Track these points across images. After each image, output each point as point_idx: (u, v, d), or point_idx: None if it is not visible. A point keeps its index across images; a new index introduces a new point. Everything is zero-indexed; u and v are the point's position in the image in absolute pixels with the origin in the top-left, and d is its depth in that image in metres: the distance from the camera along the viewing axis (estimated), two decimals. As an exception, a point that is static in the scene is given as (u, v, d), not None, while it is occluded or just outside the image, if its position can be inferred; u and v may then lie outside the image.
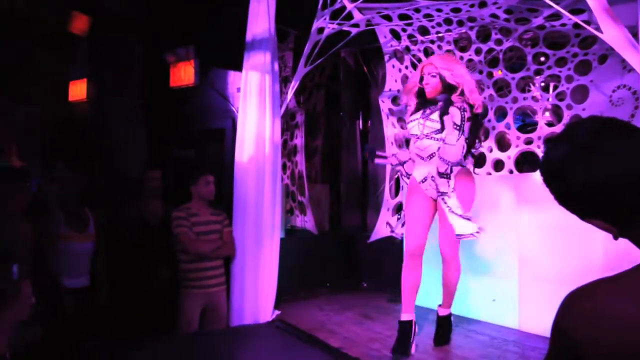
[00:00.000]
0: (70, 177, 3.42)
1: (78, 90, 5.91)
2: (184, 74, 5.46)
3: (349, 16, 3.95)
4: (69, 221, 3.28)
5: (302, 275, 4.63)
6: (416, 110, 3.16)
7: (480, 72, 4.16)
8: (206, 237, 3.56)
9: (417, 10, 3.92)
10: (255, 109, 3.79)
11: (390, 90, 4.79)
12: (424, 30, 4.35)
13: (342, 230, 5.63)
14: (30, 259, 2.80)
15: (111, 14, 4.81)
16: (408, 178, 3.27)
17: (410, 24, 4.24)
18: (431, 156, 3.05)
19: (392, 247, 4.46)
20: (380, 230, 4.82)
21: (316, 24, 3.94)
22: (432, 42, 4.39)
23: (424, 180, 3.09)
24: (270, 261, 3.76)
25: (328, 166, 5.95)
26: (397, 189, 4.85)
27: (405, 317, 3.03)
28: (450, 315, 3.25)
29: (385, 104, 4.82)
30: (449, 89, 2.98)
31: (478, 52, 4.14)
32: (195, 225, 3.54)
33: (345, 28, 4.07)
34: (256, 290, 3.70)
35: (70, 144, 5.39)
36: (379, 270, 4.80)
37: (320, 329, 3.49)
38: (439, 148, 2.99)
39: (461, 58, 4.29)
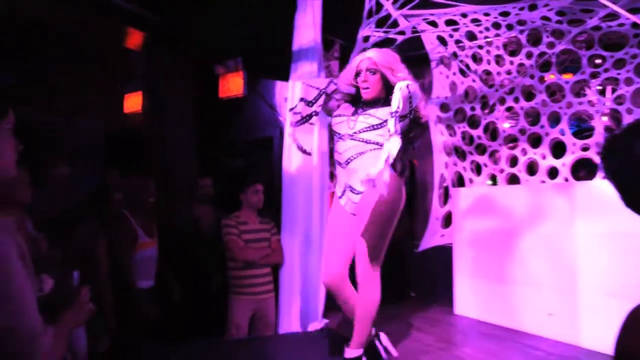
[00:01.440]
0: (140, 184, 3.48)
1: (133, 102, 6.16)
2: (232, 85, 5.59)
3: (395, 24, 3.93)
4: (144, 228, 3.39)
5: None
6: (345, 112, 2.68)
7: (532, 77, 4.04)
8: (255, 244, 3.62)
9: (464, 16, 3.85)
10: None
11: (438, 97, 4.72)
12: (471, 36, 4.27)
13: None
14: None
15: (163, 29, 5.00)
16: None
17: (457, 30, 4.18)
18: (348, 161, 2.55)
19: (442, 256, 4.37)
20: (429, 240, 4.74)
21: (362, 32, 3.95)
22: (481, 47, 4.30)
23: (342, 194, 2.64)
24: (318, 269, 3.77)
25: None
26: (445, 197, 4.75)
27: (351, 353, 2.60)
28: (359, 357, 2.61)
29: (433, 112, 4.75)
30: (390, 91, 2.45)
31: (529, 56, 4.02)
32: (244, 233, 3.60)
33: (391, 36, 4.06)
34: (304, 298, 3.72)
35: (127, 154, 5.62)
36: (428, 280, 4.72)
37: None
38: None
39: (511, 63, 4.18)
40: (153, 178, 3.55)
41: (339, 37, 5.04)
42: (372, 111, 2.51)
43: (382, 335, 2.80)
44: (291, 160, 3.84)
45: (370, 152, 2.45)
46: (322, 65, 4.05)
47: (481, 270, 3.14)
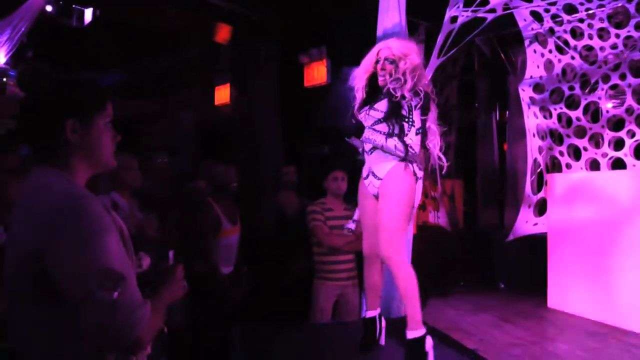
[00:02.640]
0: (222, 170, 3.62)
1: (222, 94, 6.43)
2: (317, 73, 5.64)
3: (484, 1, 3.74)
4: (227, 215, 3.55)
5: (434, 273, 4.51)
6: (363, 103, 2.78)
7: (642, 51, 3.67)
8: (339, 231, 3.64)
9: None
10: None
11: (531, 77, 4.44)
12: (570, 9, 3.95)
13: (477, 228, 5.37)
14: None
15: (249, 22, 5.15)
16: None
17: (554, 3, 3.88)
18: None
19: (535, 246, 4.14)
20: (521, 228, 4.50)
21: (449, 13, 3.80)
22: (581, 20, 3.97)
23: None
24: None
25: (462, 161, 5.72)
26: (539, 184, 4.48)
27: (369, 314, 2.86)
28: (423, 337, 2.52)
29: (525, 93, 4.48)
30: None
31: (639, 27, 3.65)
32: (329, 219, 3.64)
33: (480, 15, 3.86)
34: (387, 285, 3.69)
35: (217, 143, 5.89)
36: (518, 270, 4.49)
37: (454, 329, 3.38)
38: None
39: (617, 36, 3.82)
40: (235, 164, 3.67)
41: (425, 19, 4.89)
42: (377, 105, 2.65)
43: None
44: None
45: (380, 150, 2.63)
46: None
47: (578, 261, 2.93)
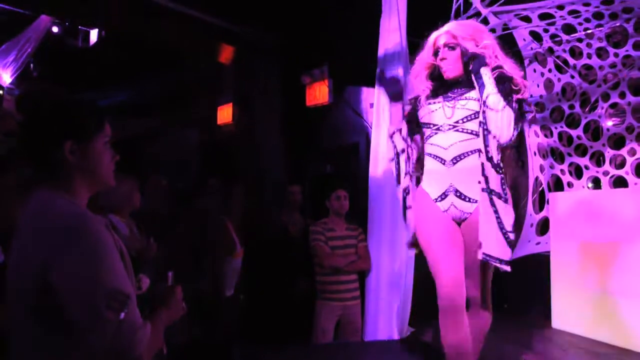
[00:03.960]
0: (235, 193, 3.60)
1: (225, 114, 6.48)
2: (318, 93, 5.70)
3: (484, 21, 3.78)
4: (239, 238, 3.54)
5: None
6: (433, 95, 2.28)
7: (641, 70, 3.69)
8: (341, 251, 3.63)
9: (561, 8, 3.61)
10: (388, 123, 3.79)
11: (532, 96, 4.46)
12: (569, 29, 3.99)
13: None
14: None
15: (251, 42, 5.21)
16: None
17: (552, 24, 3.93)
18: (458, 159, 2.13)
19: (538, 265, 4.11)
20: (523, 248, 4.47)
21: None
22: (580, 40, 4.00)
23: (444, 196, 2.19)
24: (405, 276, 3.70)
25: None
26: (541, 202, 4.47)
27: None
28: None
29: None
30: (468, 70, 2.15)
31: (637, 46, 3.68)
32: (330, 239, 3.64)
33: (479, 35, 3.90)
34: (390, 305, 3.66)
35: (220, 162, 5.91)
36: (522, 290, 4.44)
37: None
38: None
39: (616, 55, 3.85)
40: (242, 185, 3.68)
41: (426, 39, 4.94)
42: (469, 94, 2.14)
43: None
44: (377, 166, 3.81)
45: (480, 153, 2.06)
46: (408, 69, 3.99)
47: (582, 281, 2.90)
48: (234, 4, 4.47)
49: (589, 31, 3.88)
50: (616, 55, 3.87)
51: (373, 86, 3.96)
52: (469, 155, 2.11)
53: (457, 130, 2.14)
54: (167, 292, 1.40)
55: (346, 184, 3.87)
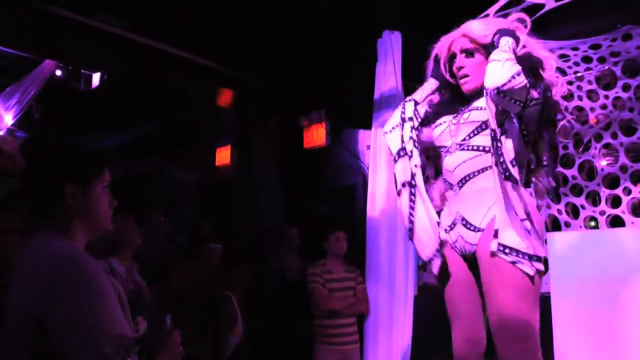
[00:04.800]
0: (240, 266, 3.60)
1: (223, 155, 6.54)
2: (316, 135, 5.77)
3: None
4: (242, 314, 3.52)
5: (436, 335, 4.39)
6: (445, 111, 1.99)
7: (632, 110, 3.78)
8: (339, 293, 3.60)
9: (550, 52, 3.72)
10: (385, 165, 3.84)
11: (525, 137, 4.53)
12: (559, 72, 4.11)
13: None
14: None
15: (250, 86, 5.33)
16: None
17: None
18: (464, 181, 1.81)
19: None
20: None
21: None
22: (570, 83, 4.11)
23: (452, 227, 1.89)
24: (404, 319, 3.65)
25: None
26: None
27: None
28: None
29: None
30: None
31: (626, 88, 3.78)
32: (328, 282, 3.61)
33: (472, 78, 4.00)
34: (389, 349, 3.60)
35: (217, 204, 5.92)
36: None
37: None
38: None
39: (606, 97, 3.94)
40: (235, 225, 3.68)
41: (420, 84, 5.06)
42: (474, 104, 1.82)
43: None
44: (374, 208, 3.83)
45: (490, 170, 1.72)
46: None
47: (584, 321, 2.86)
48: (234, 49, 4.60)
49: (579, 74, 3.99)
50: (606, 97, 3.97)
51: (370, 129, 4.03)
52: (476, 175, 1.79)
53: (462, 149, 1.82)
54: (165, 336, 1.38)
55: (345, 226, 3.88)
